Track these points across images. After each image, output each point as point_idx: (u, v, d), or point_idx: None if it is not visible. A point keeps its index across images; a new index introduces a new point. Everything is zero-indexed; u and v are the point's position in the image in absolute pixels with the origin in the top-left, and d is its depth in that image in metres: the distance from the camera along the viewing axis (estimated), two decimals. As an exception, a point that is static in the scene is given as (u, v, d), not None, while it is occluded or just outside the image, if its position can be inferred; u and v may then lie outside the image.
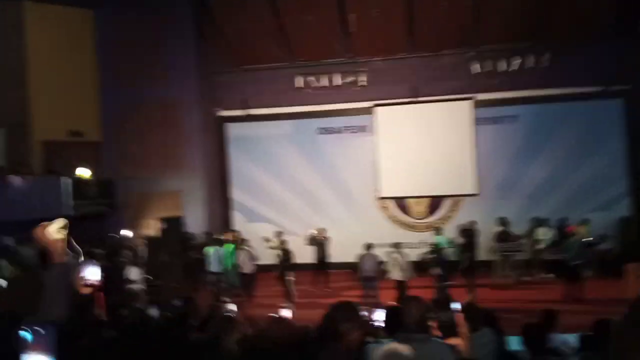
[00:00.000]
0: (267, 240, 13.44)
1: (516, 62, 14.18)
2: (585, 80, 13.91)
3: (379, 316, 5.04)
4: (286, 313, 5.95)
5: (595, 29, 13.49)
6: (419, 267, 11.94)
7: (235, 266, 11.62)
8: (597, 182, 13.92)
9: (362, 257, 10.99)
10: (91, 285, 4.13)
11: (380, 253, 11.26)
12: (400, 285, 10.61)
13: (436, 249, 11.56)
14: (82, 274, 4.02)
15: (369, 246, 11.12)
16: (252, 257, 11.90)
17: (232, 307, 6.32)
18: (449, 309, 4.37)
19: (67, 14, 14.84)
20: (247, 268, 11.69)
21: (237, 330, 4.29)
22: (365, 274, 10.75)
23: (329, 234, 13.56)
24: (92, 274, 4.10)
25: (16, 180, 12.06)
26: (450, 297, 5.61)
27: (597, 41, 13.66)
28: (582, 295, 10.40)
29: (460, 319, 4.22)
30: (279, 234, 13.50)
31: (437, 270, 10.92)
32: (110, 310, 5.57)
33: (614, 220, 13.74)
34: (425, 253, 12.69)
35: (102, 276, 4.23)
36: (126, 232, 13.05)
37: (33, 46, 14.13)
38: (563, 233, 12.42)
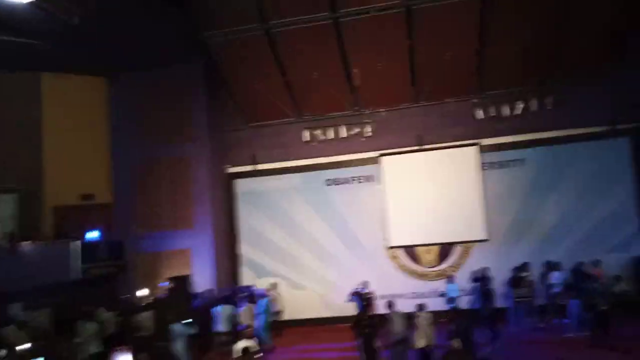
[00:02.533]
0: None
1: (520, 106, 14.22)
2: (590, 121, 13.95)
3: None
4: None
5: (595, 70, 13.59)
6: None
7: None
8: (609, 223, 13.66)
9: (389, 317, 9.74)
10: None
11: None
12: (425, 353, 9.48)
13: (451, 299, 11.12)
14: None
15: (390, 304, 10.00)
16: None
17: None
18: None
19: (81, 82, 15.53)
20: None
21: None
22: (395, 338, 9.49)
23: (338, 284, 13.41)
24: None
25: (27, 246, 12.31)
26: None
27: (598, 82, 13.73)
28: (610, 340, 10.06)
29: None
30: (274, 285, 13.63)
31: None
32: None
33: (628, 260, 13.39)
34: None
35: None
36: (142, 292, 13.17)
37: (48, 115, 14.78)
38: (580, 277, 12.07)
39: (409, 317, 9.59)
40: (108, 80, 15.80)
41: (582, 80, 13.83)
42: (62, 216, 13.78)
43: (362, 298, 12.25)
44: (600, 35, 13.06)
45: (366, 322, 9.72)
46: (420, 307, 9.85)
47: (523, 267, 13.09)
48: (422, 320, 9.49)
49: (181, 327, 10.40)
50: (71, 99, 15.19)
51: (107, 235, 14.28)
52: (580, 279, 12.09)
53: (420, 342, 9.41)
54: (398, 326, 9.44)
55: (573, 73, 13.77)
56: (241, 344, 8.11)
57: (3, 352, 8.64)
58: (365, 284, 13.12)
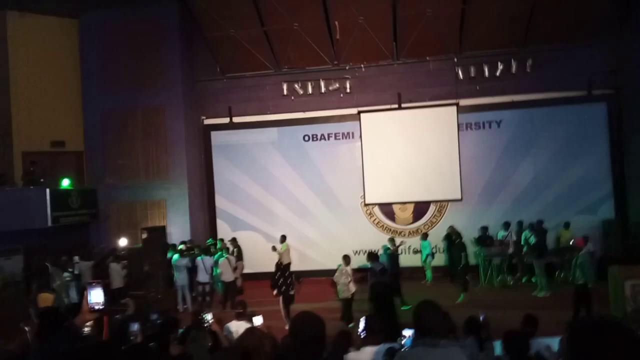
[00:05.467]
0: (274, 248, 13.41)
1: (499, 68, 14.19)
2: (568, 85, 14.05)
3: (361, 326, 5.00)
4: (258, 322, 5.92)
5: (576, 35, 13.62)
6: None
7: (218, 275, 11.58)
8: (581, 186, 14.03)
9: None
10: (97, 310, 3.81)
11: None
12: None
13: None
14: (89, 298, 3.75)
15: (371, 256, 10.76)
16: (233, 266, 11.78)
17: (209, 317, 6.18)
18: None
19: (51, 24, 14.80)
20: (228, 277, 11.55)
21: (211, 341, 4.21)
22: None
23: (314, 239, 13.51)
24: (97, 296, 3.78)
25: (-4, 191, 11.95)
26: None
27: (579, 47, 13.81)
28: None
29: None
30: (283, 237, 13.59)
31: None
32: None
33: (598, 222, 13.85)
34: None
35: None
36: (122, 242, 13.06)
37: (15, 56, 14.08)
38: (539, 235, 12.41)
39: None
40: (78, 22, 15.07)
41: (561, 45, 13.90)
42: (31, 162, 13.34)
43: (392, 256, 12.16)
44: (579, 2, 12.99)
45: (281, 281, 10.24)
46: (346, 259, 10.40)
47: (504, 226, 13.37)
48: (340, 273, 10.13)
49: (182, 260, 11.46)
50: (39, 40, 14.47)
51: (80, 183, 13.91)
52: (541, 237, 12.40)
53: (341, 293, 10.09)
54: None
55: (552, 37, 13.80)
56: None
57: None
58: (391, 241, 13.00)
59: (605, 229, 13.70)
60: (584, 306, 9.62)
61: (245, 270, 13.66)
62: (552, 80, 14.01)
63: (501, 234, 13.32)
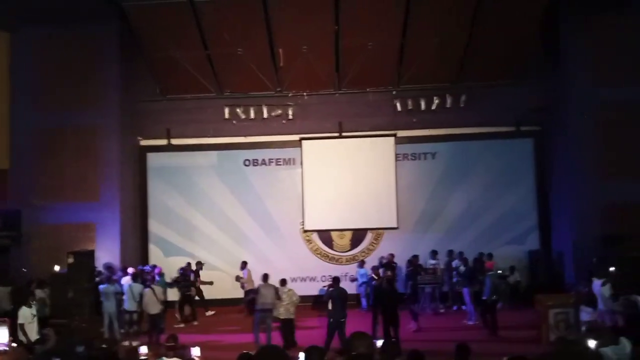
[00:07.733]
0: (238, 278, 13.14)
1: (435, 102, 14.72)
2: (499, 121, 14.81)
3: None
4: (196, 353, 5.79)
5: (506, 73, 14.38)
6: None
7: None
8: (509, 217, 14.70)
9: (260, 288, 10.66)
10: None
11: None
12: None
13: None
14: None
15: (265, 277, 10.82)
16: (159, 297, 11.06)
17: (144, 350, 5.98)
18: None
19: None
20: (153, 309, 10.87)
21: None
22: (264, 307, 10.46)
23: (252, 266, 13.39)
24: (1, 336, 3.40)
25: None
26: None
27: (509, 84, 14.55)
28: (496, 325, 10.86)
29: None
30: (244, 264, 13.39)
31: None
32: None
33: (524, 253, 14.49)
34: None
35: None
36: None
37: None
38: (478, 267, 12.84)
39: (277, 290, 10.55)
40: (10, 35, 14.41)
41: (493, 83, 14.59)
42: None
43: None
44: (510, 44, 13.74)
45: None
46: (283, 282, 10.81)
47: (432, 254, 13.74)
48: (284, 294, 10.49)
49: (110, 287, 10.90)
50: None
51: (2, 203, 13.09)
52: (473, 269, 12.85)
53: (280, 312, 10.45)
54: (267, 297, 10.39)
55: (485, 75, 14.48)
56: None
57: None
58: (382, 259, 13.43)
59: (532, 259, 14.35)
60: (491, 320, 10.89)
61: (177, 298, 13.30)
62: (484, 115, 14.70)
63: (430, 262, 13.69)
